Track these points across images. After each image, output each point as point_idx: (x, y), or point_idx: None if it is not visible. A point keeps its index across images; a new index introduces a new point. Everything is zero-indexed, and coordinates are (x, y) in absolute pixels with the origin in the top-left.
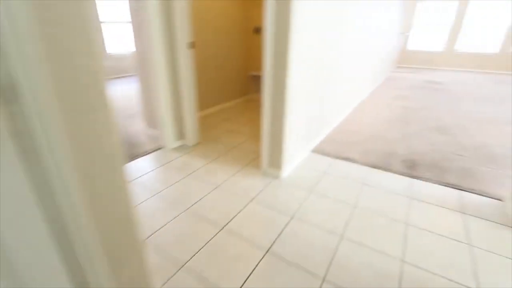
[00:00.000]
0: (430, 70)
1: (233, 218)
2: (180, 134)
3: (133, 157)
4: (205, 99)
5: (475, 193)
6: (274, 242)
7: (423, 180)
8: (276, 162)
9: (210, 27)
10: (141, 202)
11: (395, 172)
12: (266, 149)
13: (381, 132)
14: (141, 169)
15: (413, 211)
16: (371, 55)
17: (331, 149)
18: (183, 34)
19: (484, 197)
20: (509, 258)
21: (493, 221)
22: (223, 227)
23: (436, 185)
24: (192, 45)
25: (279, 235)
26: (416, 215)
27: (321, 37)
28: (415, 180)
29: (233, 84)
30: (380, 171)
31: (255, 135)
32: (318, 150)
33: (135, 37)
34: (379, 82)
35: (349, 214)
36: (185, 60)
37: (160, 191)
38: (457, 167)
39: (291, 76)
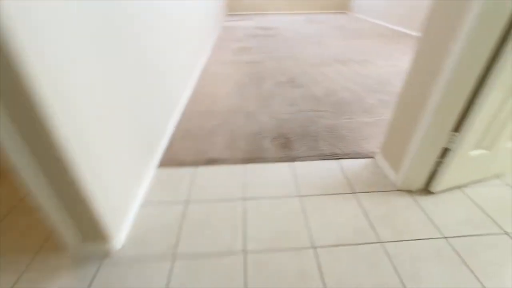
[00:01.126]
0: (258, 15)
1: None
2: None
3: None
4: None
5: (352, 157)
6: None
7: (303, 160)
8: (95, 229)
9: None
10: None
11: (272, 161)
12: (62, 217)
13: (239, 103)
14: None
15: (312, 222)
16: (199, 7)
17: (187, 152)
18: None
19: (360, 159)
20: (418, 239)
21: (381, 190)
22: None
23: (316, 162)
24: None
25: None
26: (317, 227)
27: None
28: (296, 164)
29: None
30: (256, 165)
31: None
32: (169, 160)
33: None
34: (217, 33)
35: None
36: None
37: None
38: (324, 128)
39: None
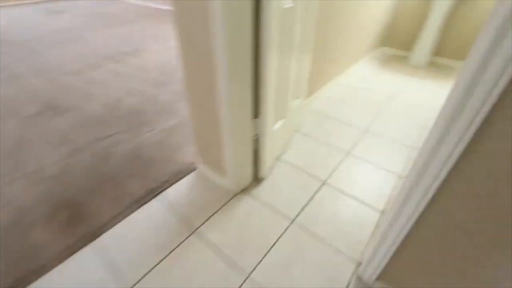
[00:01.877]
0: None
1: None
2: None
3: None
4: None
5: (173, 183)
6: None
7: (111, 226)
8: None
9: None
10: None
11: (62, 258)
12: None
13: None
14: None
15: None
16: None
17: None
18: None
19: (183, 180)
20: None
21: (219, 207)
22: None
23: (132, 217)
24: None
25: None
26: None
27: None
28: (103, 239)
29: None
30: (35, 286)
31: None
32: None
33: None
34: None
35: None
36: None
37: None
38: (124, 158)
39: None
